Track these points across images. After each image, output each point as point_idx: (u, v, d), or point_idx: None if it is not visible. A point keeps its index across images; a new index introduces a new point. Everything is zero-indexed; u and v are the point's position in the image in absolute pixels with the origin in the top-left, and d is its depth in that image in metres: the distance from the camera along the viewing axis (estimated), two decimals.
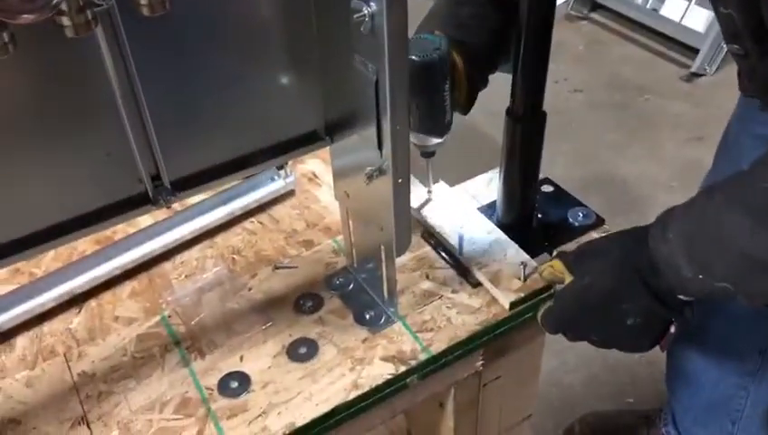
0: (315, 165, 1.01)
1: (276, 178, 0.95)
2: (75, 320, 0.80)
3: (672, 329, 0.70)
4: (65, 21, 0.48)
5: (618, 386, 1.56)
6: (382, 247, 0.72)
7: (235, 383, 0.71)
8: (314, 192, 0.97)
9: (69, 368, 0.74)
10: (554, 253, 0.82)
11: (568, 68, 2.70)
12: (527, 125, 0.78)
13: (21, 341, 0.78)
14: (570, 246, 0.83)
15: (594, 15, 3.10)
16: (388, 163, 0.63)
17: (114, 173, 0.64)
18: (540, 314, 0.73)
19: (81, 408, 0.70)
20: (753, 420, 1.14)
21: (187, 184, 0.67)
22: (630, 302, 0.68)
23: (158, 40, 0.59)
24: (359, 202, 0.74)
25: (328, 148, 0.73)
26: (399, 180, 0.65)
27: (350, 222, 0.78)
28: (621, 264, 0.68)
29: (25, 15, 0.41)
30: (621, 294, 0.68)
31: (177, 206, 0.88)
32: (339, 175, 0.75)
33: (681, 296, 0.67)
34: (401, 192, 0.66)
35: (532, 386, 0.90)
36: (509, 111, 0.78)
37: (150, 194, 0.65)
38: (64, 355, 0.75)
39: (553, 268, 0.74)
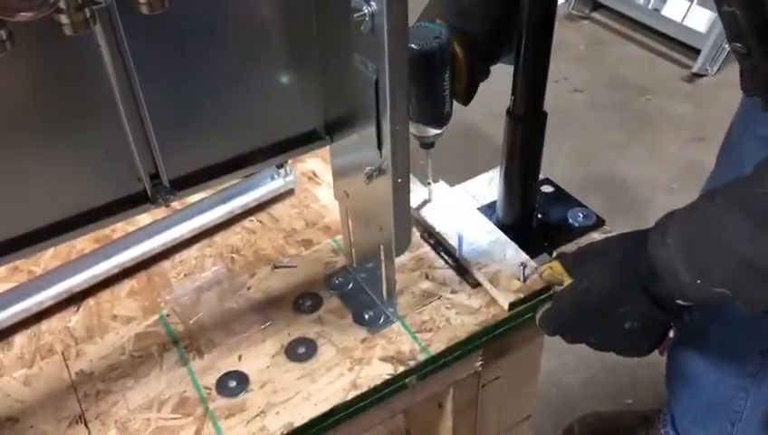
0: (315, 164, 1.00)
1: (276, 176, 0.95)
2: (74, 318, 0.80)
3: (671, 333, 0.70)
4: (63, 19, 0.47)
5: (617, 387, 1.56)
6: (382, 247, 0.72)
7: (234, 383, 0.70)
8: (314, 191, 0.96)
9: (67, 366, 0.74)
10: (554, 254, 0.81)
11: (569, 67, 2.69)
12: (528, 125, 0.78)
13: (19, 339, 0.78)
14: (570, 247, 0.83)
15: (595, 15, 3.10)
16: (387, 163, 0.63)
17: (113, 171, 0.63)
18: (538, 315, 0.73)
19: (78, 406, 0.69)
20: (752, 421, 1.14)
21: (186, 183, 0.66)
22: (629, 306, 0.67)
23: (157, 38, 0.59)
24: (358, 202, 0.73)
25: (328, 147, 0.73)
26: (399, 180, 0.64)
27: (350, 222, 0.78)
28: (620, 267, 0.68)
29: (23, 13, 0.41)
30: (619, 298, 0.68)
31: (176, 204, 0.88)
32: (338, 174, 0.75)
33: (680, 301, 0.67)
34: (401, 192, 0.66)
35: (531, 387, 0.90)
36: (510, 111, 0.78)
37: (149, 193, 0.65)
38: (62, 354, 0.75)
39: (553, 270, 0.74)
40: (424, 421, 0.94)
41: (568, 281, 0.71)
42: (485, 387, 0.82)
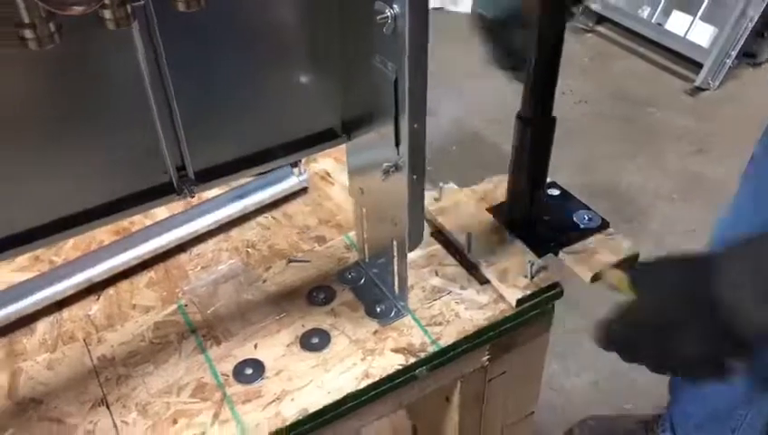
0: (327, 164, 1.03)
1: (290, 175, 0.98)
2: (94, 307, 0.82)
3: (734, 364, 0.68)
4: (107, 14, 0.50)
5: (617, 392, 1.58)
6: (395, 243, 0.75)
7: (250, 370, 0.73)
8: (326, 190, 0.99)
9: (88, 352, 0.76)
10: (622, 261, 0.81)
11: (573, 80, 2.73)
12: (537, 128, 0.81)
13: (41, 325, 0.80)
14: (575, 247, 0.85)
15: (599, 28, 3.14)
16: (404, 160, 0.66)
17: (140, 163, 0.66)
18: (596, 326, 0.70)
19: (100, 390, 0.72)
20: (753, 428, 1.16)
21: (209, 175, 0.69)
22: (691, 331, 0.65)
23: (188, 35, 0.62)
24: (373, 198, 0.76)
25: (341, 147, 0.76)
26: (415, 177, 0.67)
27: (364, 218, 0.81)
28: (686, 291, 0.66)
29: (75, 7, 0.44)
30: (682, 323, 0.66)
31: (193, 200, 0.91)
32: (354, 172, 0.78)
33: (744, 332, 0.63)
34: (416, 189, 0.68)
35: (535, 383, 0.92)
36: (519, 115, 0.81)
37: (175, 184, 0.68)
38: (84, 340, 0.78)
39: (617, 278, 0.73)
40: (430, 417, 0.96)
41: (629, 293, 0.71)
42: (492, 381, 0.85)
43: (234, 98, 0.68)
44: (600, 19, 3.13)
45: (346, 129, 0.74)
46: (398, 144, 0.66)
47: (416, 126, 0.64)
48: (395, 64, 0.61)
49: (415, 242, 0.74)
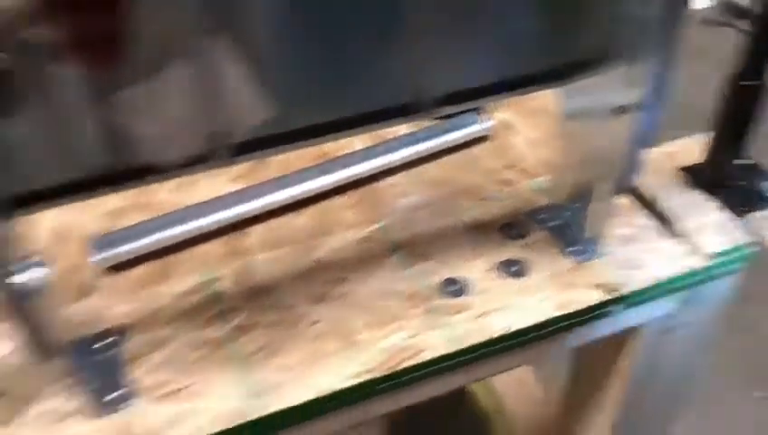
0: (508, 114, 1.07)
1: (475, 122, 1.02)
2: (301, 220, 0.90)
3: None
4: None
5: (747, 377, 1.56)
6: (597, 187, 0.78)
7: (454, 287, 0.78)
8: (509, 138, 1.03)
9: (305, 255, 0.83)
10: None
11: (712, 73, 2.65)
12: (748, 91, 0.82)
13: (256, 231, 0.88)
14: (765, 214, 0.87)
15: (739, 23, 3.02)
16: (639, 103, 0.69)
17: (386, 81, 0.71)
18: None
19: (320, 288, 0.79)
20: None
21: (444, 101, 0.74)
22: None
23: None
24: (585, 140, 0.79)
25: (521, 98, 0.78)
26: (647, 121, 0.70)
27: (566, 160, 0.84)
28: None
29: None
30: None
31: (384, 133, 0.97)
32: (569, 113, 0.81)
33: None
34: (643, 133, 0.71)
35: (709, 343, 0.94)
36: (734, 75, 0.82)
37: (415, 104, 0.73)
38: (298, 246, 0.85)
39: None
40: (598, 361, 0.99)
41: None
42: (671, 332, 0.87)
43: (470, 27, 0.72)
44: (741, 13, 3.01)
45: (571, 68, 0.77)
46: (633, 86, 0.69)
47: (663, 67, 0.66)
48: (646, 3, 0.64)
49: (623, 187, 0.77)
